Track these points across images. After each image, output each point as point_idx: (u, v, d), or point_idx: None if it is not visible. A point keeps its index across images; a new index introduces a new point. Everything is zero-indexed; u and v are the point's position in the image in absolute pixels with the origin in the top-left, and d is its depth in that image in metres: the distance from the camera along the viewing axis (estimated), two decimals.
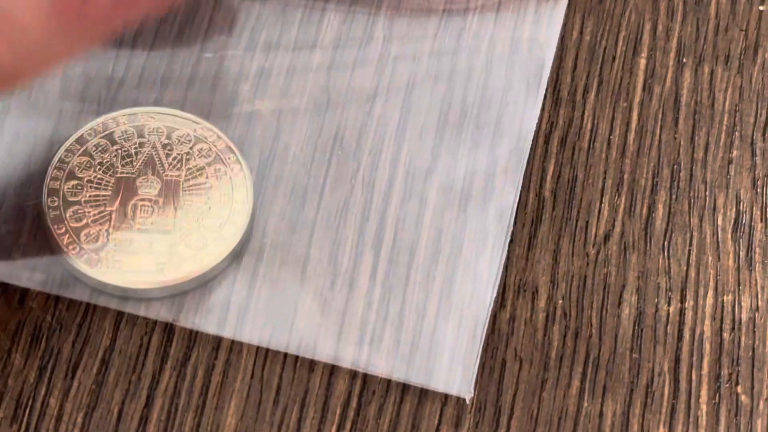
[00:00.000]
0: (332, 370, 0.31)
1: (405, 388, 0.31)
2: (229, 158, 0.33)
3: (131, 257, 0.31)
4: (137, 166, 0.32)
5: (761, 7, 0.36)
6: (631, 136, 0.34)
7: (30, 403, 0.31)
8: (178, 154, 0.32)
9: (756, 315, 0.32)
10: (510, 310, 0.32)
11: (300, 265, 0.32)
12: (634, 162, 0.34)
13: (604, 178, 0.34)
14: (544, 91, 0.34)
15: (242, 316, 0.31)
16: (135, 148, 0.32)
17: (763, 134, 0.34)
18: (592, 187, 0.34)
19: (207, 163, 0.32)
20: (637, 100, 0.35)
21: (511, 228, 0.33)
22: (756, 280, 0.33)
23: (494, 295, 0.32)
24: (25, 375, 0.31)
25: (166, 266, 0.31)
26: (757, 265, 0.33)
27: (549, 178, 0.34)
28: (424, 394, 0.31)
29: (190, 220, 0.32)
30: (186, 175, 0.32)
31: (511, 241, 0.33)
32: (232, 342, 0.31)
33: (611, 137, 0.34)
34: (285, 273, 0.32)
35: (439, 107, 0.34)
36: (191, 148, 0.33)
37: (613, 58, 0.35)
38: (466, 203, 0.33)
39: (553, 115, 0.34)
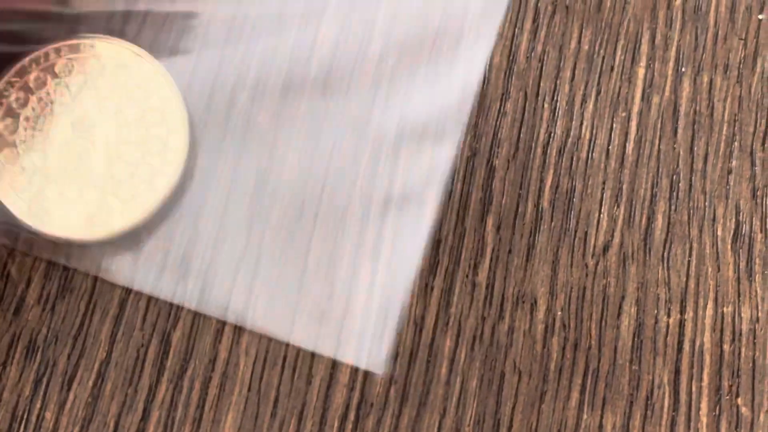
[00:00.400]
0: (330, 382, 0.31)
1: (403, 399, 0.31)
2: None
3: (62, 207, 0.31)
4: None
5: (760, 16, 0.36)
6: (630, 146, 0.34)
7: (25, 416, 0.30)
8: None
9: (756, 326, 0.32)
10: (509, 322, 0.32)
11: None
12: (633, 172, 0.34)
13: (603, 188, 0.34)
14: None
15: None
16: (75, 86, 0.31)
17: (763, 144, 0.34)
18: (590, 197, 0.33)
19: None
20: (635, 109, 0.35)
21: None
22: (756, 291, 0.32)
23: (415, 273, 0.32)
24: (21, 388, 0.31)
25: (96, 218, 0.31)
26: (757, 275, 0.33)
27: (547, 188, 0.33)
28: (422, 406, 0.31)
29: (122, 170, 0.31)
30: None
31: (509, 252, 0.33)
32: (229, 354, 0.31)
33: (610, 147, 0.34)
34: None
35: (437, 116, 0.34)
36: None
37: (612, 68, 0.35)
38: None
39: (551, 125, 0.34)
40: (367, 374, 0.31)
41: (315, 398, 0.31)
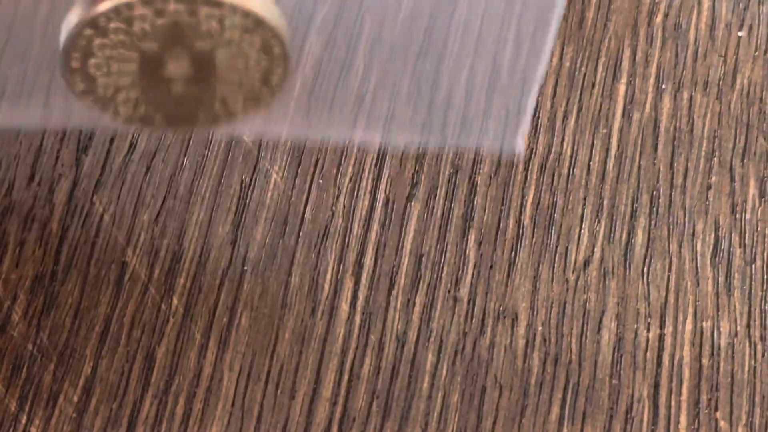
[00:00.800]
0: (313, 397, 0.31)
1: (386, 413, 0.31)
2: None
3: None
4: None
5: (740, 33, 0.36)
6: (611, 162, 0.35)
7: None
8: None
9: (735, 340, 0.32)
10: (490, 337, 0.32)
11: None
12: (613, 188, 0.34)
13: (584, 204, 0.34)
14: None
15: None
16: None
17: (742, 160, 0.35)
18: (571, 213, 0.34)
19: None
20: (616, 126, 0.35)
21: None
22: (735, 306, 0.33)
23: None
24: (6, 404, 0.31)
25: None
26: (736, 290, 0.33)
27: (529, 204, 0.34)
28: (404, 420, 0.31)
29: None
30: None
31: (491, 267, 0.33)
32: (213, 370, 0.32)
33: (591, 163, 0.34)
34: None
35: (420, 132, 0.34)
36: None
37: (593, 85, 0.36)
38: None
39: (533, 141, 0.35)
40: (349, 389, 0.32)
41: (298, 413, 0.31)
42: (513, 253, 0.33)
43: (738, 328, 0.33)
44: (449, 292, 0.33)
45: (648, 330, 0.33)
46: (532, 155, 0.34)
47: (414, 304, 0.32)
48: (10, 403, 0.31)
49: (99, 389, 0.31)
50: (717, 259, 0.33)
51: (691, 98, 0.36)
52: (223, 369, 0.32)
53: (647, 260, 0.33)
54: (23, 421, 0.31)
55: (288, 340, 0.32)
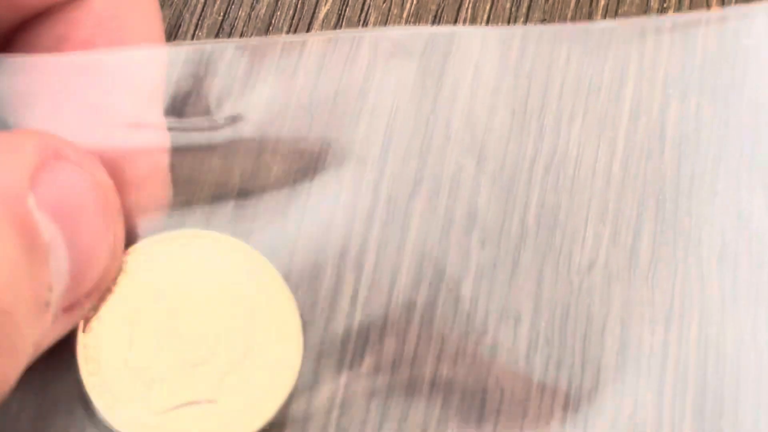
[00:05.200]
0: (309, 398, 0.31)
1: (383, 415, 0.31)
2: None
3: None
4: None
5: (746, 41, 0.36)
6: (617, 165, 0.34)
7: None
8: None
9: (741, 347, 0.32)
10: (492, 337, 0.32)
11: None
12: (619, 191, 0.34)
13: (589, 206, 0.33)
14: None
15: None
16: None
17: (749, 167, 0.34)
18: (576, 215, 0.33)
19: None
20: (622, 129, 0.35)
21: None
22: (740, 313, 0.32)
23: None
24: None
25: None
26: (742, 299, 0.33)
27: (533, 205, 0.33)
28: (403, 421, 0.31)
29: None
30: None
31: (494, 267, 0.32)
32: None
33: (596, 166, 0.34)
34: None
35: (423, 130, 0.34)
36: None
37: (600, 88, 0.35)
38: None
39: (539, 142, 0.34)
40: (348, 384, 0.31)
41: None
42: (517, 253, 0.33)
43: (744, 336, 0.32)
44: (451, 291, 0.32)
45: (652, 335, 0.32)
46: (537, 156, 0.34)
47: (415, 303, 0.32)
48: None
49: None
50: (723, 265, 0.33)
51: (698, 104, 0.35)
52: None
53: (653, 265, 0.33)
54: None
55: None
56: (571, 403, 0.31)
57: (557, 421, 0.31)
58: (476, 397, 0.31)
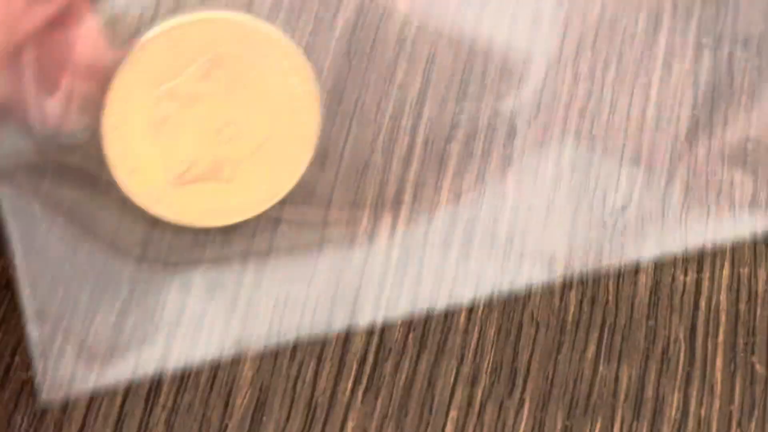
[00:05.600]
0: (349, 326, 0.31)
1: (422, 346, 0.31)
2: None
3: None
4: None
5: None
6: (650, 111, 0.35)
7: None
8: None
9: None
10: (527, 276, 0.32)
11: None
12: (652, 136, 0.34)
13: (623, 150, 0.34)
14: None
15: None
16: None
17: None
18: (610, 158, 0.34)
19: None
20: (656, 76, 0.35)
21: None
22: None
23: None
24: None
25: None
26: None
27: (568, 147, 0.34)
28: (440, 352, 0.31)
29: None
30: None
31: (528, 209, 0.33)
32: (251, 297, 0.31)
33: (630, 111, 0.34)
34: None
35: (460, 77, 0.35)
36: None
37: (633, 36, 0.36)
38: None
39: (574, 87, 0.35)
40: (386, 321, 0.31)
41: (334, 341, 0.31)
42: (552, 194, 0.33)
43: None
44: (487, 230, 0.33)
45: (685, 275, 0.32)
46: (572, 100, 0.34)
47: (452, 240, 0.32)
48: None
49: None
50: (754, 208, 0.33)
51: (730, 53, 0.36)
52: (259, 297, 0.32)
53: (685, 207, 0.33)
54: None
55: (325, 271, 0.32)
56: (605, 339, 0.32)
57: (591, 356, 0.31)
58: (512, 331, 0.31)
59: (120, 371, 0.30)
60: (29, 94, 0.29)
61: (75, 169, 0.31)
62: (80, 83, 0.30)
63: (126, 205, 0.30)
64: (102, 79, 0.30)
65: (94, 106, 0.30)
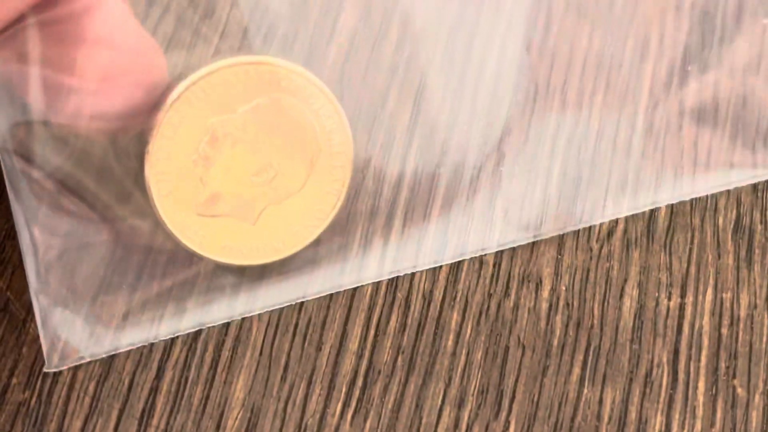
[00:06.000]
0: (339, 349, 0.32)
1: (410, 368, 0.32)
2: None
3: None
4: None
5: (766, 21, 0.37)
6: (637, 139, 0.35)
7: (42, 371, 0.31)
8: None
9: (754, 312, 0.33)
10: (514, 299, 0.33)
11: None
12: (638, 163, 0.35)
13: (609, 177, 0.35)
14: None
15: None
16: None
17: (764, 141, 0.35)
18: (597, 185, 0.34)
19: None
20: (642, 104, 0.36)
21: None
22: (755, 279, 0.33)
23: None
24: (39, 345, 0.32)
25: None
26: (756, 264, 0.34)
27: (555, 175, 0.34)
28: (428, 374, 0.32)
29: None
30: None
31: (516, 233, 0.34)
32: (242, 320, 0.32)
33: (617, 139, 0.35)
34: None
35: (450, 105, 0.35)
36: None
37: (621, 65, 0.36)
38: None
39: (561, 115, 0.35)
40: (376, 343, 0.32)
41: (324, 364, 0.32)
42: (539, 221, 0.34)
43: (757, 301, 0.33)
44: (475, 254, 0.33)
45: (669, 299, 0.33)
46: (560, 129, 0.35)
47: (440, 264, 0.33)
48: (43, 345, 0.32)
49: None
50: (738, 234, 0.34)
51: (716, 81, 0.36)
52: (252, 319, 0.32)
53: (670, 232, 0.34)
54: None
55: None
56: (589, 362, 0.32)
57: (576, 379, 0.32)
58: (498, 354, 0.32)
59: (132, 336, 0.31)
60: (33, 72, 0.29)
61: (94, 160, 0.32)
62: (104, 64, 0.28)
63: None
64: (137, 65, 0.29)
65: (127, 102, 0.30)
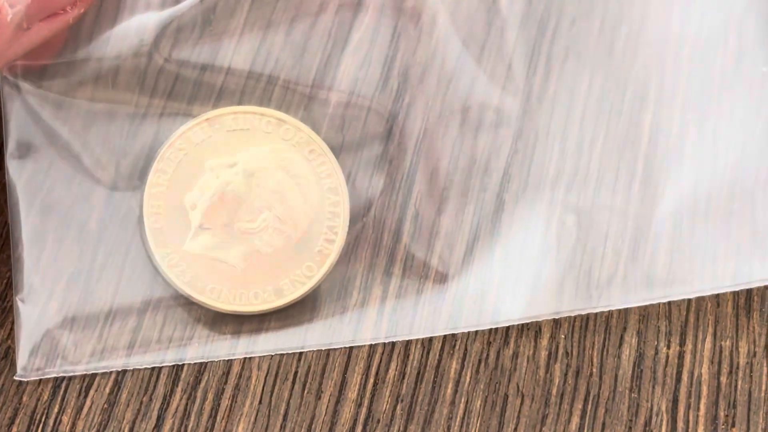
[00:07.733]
0: (339, 398, 0.32)
1: (409, 417, 0.32)
2: None
3: None
4: None
5: (764, 69, 0.37)
6: (636, 186, 0.35)
7: (43, 420, 0.31)
8: None
9: (753, 360, 0.33)
10: (513, 347, 0.33)
11: None
12: (638, 210, 0.35)
13: (608, 223, 0.35)
14: None
15: None
16: None
17: (764, 189, 0.35)
18: (596, 231, 0.35)
19: None
20: (642, 151, 0.36)
21: None
22: (754, 327, 0.33)
23: None
24: (40, 392, 0.32)
25: None
26: (755, 312, 0.34)
27: (555, 222, 0.35)
28: (427, 423, 0.32)
29: None
30: None
31: (516, 280, 0.34)
32: (242, 368, 0.32)
33: (616, 186, 0.35)
34: None
35: (449, 152, 0.35)
36: None
37: (620, 113, 0.36)
38: None
39: (561, 162, 0.35)
40: (375, 391, 0.32)
41: (324, 412, 0.32)
42: (538, 268, 0.34)
43: (756, 349, 0.33)
44: (475, 302, 0.33)
45: (668, 347, 0.33)
46: (559, 176, 0.35)
47: (440, 313, 0.33)
48: (44, 392, 0.32)
49: (130, 382, 0.32)
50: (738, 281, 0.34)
51: (714, 129, 0.36)
52: (251, 368, 0.32)
53: (669, 280, 0.34)
54: (56, 410, 0.32)
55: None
56: (588, 411, 0.32)
57: (575, 428, 0.32)
58: (497, 403, 0.32)
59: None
60: None
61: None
62: None
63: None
64: None
65: None
